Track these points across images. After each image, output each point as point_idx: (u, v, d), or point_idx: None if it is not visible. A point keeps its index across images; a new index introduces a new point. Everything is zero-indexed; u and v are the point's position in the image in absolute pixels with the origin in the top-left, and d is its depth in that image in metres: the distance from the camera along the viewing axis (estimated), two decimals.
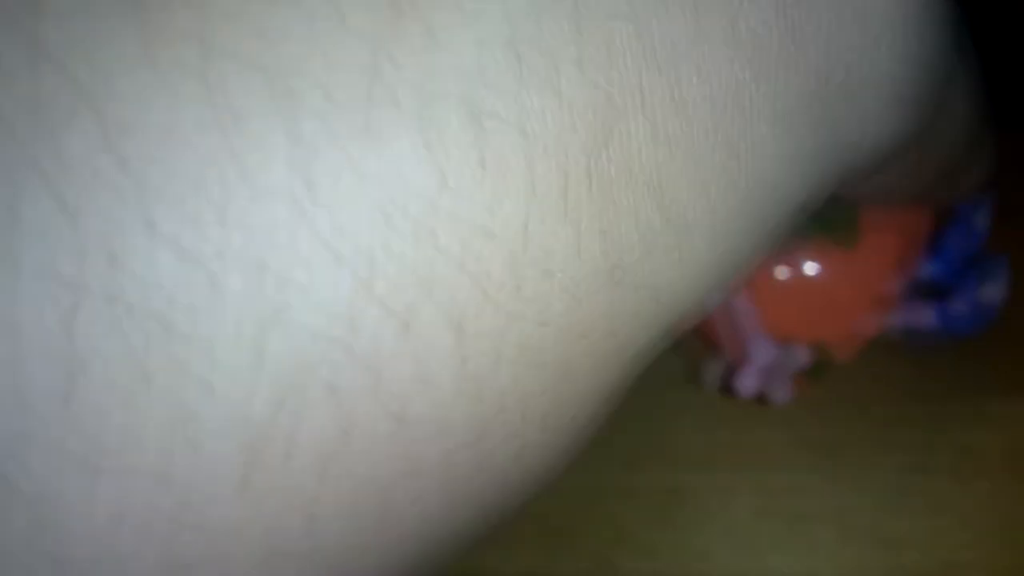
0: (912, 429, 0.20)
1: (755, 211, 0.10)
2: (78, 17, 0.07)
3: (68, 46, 0.07)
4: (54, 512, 0.08)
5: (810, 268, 0.18)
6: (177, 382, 0.07)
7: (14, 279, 0.07)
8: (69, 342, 0.07)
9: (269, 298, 0.08)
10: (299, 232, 0.08)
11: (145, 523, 0.08)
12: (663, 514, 0.19)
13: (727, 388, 0.19)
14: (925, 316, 0.19)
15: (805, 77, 0.10)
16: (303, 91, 0.07)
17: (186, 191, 0.07)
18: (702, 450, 0.20)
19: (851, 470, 0.19)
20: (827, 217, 0.17)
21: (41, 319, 0.07)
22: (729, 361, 0.19)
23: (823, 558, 0.18)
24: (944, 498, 0.18)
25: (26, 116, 0.07)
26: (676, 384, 0.22)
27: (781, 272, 0.18)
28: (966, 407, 0.20)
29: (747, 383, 0.18)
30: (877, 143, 0.11)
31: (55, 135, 0.07)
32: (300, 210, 0.08)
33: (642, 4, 0.09)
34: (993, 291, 0.19)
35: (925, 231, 0.18)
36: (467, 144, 0.08)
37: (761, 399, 0.18)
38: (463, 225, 0.08)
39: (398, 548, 0.10)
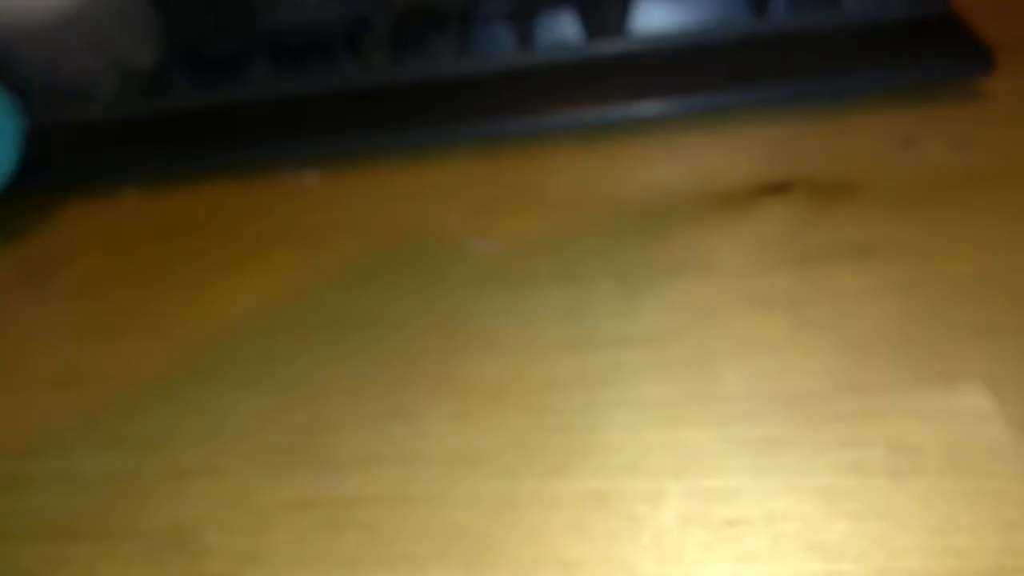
0: (846, 425, 0.19)
1: None
2: None
3: None
4: None
5: None
6: None
7: None
8: None
9: None
10: None
11: None
12: (586, 523, 0.18)
13: None
14: None
15: None
16: None
17: None
18: (630, 452, 0.19)
19: (784, 471, 0.18)
20: None
21: None
22: None
23: (754, 567, 0.17)
24: (880, 500, 0.17)
25: None
26: (604, 383, 0.21)
27: None
28: (902, 400, 0.19)
29: None
30: None
31: None
32: None
33: None
34: None
35: None
36: None
37: None
38: None
39: None
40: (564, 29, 0.31)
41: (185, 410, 0.22)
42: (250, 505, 0.19)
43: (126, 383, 0.23)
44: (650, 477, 0.18)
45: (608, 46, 0.31)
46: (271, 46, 0.33)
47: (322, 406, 0.21)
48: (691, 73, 0.29)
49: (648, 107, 0.29)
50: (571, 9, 0.31)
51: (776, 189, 0.25)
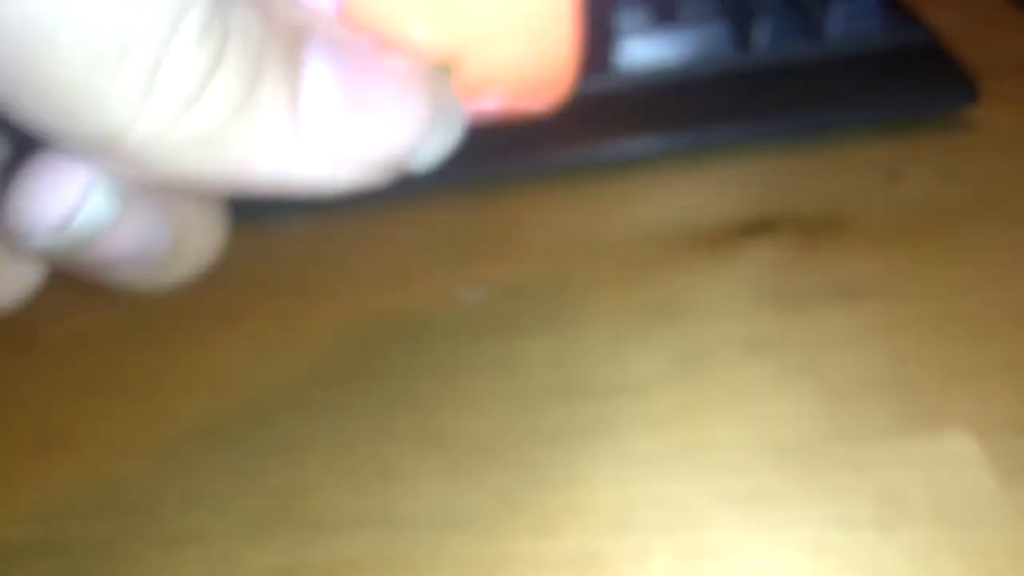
0: (832, 475, 0.19)
1: None
2: None
3: None
4: None
5: None
6: None
7: None
8: None
9: None
10: None
11: None
12: None
13: None
14: None
15: None
16: None
17: None
18: (617, 509, 0.19)
19: (772, 526, 0.18)
20: None
21: None
22: None
23: None
24: (867, 554, 0.17)
25: None
26: (591, 436, 0.21)
27: None
28: (890, 447, 0.19)
29: None
30: None
31: None
32: None
33: None
34: None
35: None
36: None
37: None
38: None
39: None
40: None
41: (171, 472, 0.22)
42: (236, 572, 0.19)
43: (112, 445, 0.23)
44: (637, 535, 0.18)
45: (593, 83, 0.31)
46: None
47: (308, 465, 0.21)
48: (676, 110, 0.29)
49: (633, 146, 0.29)
50: None
51: (761, 228, 0.25)
